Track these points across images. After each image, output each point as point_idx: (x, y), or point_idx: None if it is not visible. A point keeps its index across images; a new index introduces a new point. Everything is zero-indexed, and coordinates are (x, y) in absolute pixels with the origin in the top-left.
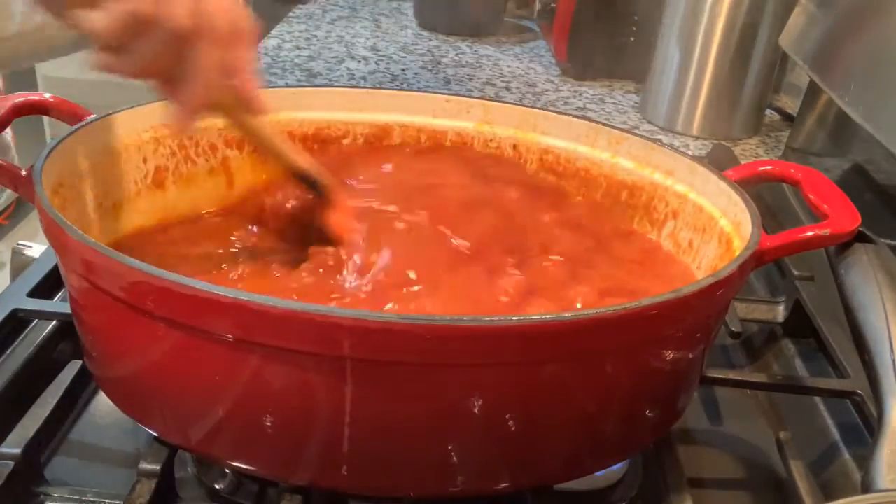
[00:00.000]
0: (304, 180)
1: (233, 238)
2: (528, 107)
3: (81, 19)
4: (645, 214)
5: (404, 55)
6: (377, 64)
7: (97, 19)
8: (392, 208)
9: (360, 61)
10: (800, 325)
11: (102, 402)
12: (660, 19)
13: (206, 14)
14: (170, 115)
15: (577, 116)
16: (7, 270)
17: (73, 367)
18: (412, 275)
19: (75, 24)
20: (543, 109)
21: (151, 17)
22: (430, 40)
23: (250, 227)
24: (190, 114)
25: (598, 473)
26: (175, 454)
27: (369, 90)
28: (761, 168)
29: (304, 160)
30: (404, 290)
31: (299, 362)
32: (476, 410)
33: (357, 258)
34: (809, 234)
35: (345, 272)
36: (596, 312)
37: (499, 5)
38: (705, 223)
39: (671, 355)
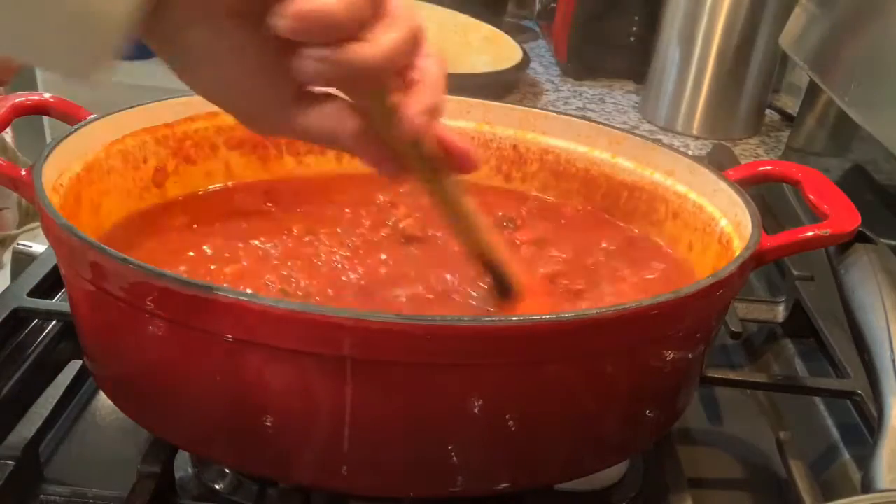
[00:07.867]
0: (493, 271)
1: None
2: (528, 107)
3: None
4: (645, 214)
5: None
6: None
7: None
8: None
9: None
10: (800, 325)
11: (102, 402)
12: (660, 19)
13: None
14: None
15: (577, 116)
16: (7, 270)
17: (73, 367)
18: None
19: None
20: (543, 110)
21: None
22: None
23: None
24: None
25: (599, 474)
26: (175, 454)
27: None
28: (761, 168)
29: (499, 247)
30: None
31: (299, 362)
32: (476, 410)
33: None
34: (809, 234)
35: None
36: (596, 312)
37: (500, 5)
38: (705, 223)
39: (671, 355)
